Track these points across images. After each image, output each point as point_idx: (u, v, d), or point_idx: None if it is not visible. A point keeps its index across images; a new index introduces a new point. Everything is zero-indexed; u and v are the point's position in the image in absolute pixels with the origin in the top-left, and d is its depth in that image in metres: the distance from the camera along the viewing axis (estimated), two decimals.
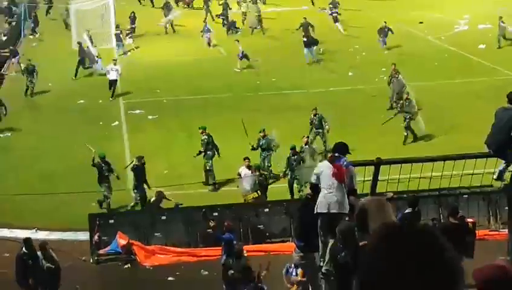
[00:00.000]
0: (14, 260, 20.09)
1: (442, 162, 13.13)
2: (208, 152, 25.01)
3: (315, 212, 11.35)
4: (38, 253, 17.67)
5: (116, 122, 31.83)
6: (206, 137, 25.06)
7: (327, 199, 11.22)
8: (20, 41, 47.46)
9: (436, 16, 49.21)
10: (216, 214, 21.06)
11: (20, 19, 50.31)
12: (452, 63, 38.89)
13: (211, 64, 40.37)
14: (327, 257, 11.18)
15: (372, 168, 12.16)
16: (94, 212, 22.53)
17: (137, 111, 33.01)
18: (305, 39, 40.37)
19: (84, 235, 21.99)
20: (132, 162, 24.14)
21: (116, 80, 35.27)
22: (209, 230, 20.29)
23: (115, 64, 35.83)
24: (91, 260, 20.89)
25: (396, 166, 13.07)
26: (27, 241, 18.03)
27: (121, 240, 20.78)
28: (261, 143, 25.12)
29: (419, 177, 14.62)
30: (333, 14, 47.76)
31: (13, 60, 40.97)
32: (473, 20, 48.31)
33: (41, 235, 22.50)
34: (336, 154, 11.48)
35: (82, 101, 33.70)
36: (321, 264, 11.69)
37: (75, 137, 29.53)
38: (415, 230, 2.37)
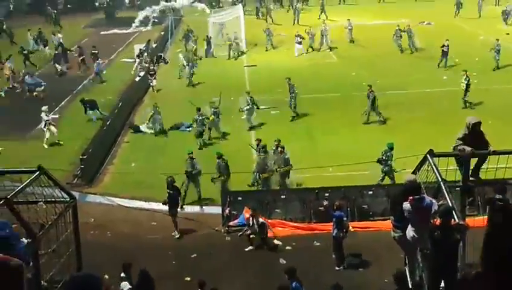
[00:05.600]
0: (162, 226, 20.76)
1: None
2: None
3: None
4: None
5: (245, 116, 32.09)
6: None
7: (414, 238, 10.98)
8: (167, 47, 48.43)
9: None
10: (327, 194, 21.02)
11: (167, 29, 51.53)
12: None
13: (324, 68, 40.41)
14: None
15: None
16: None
17: (262, 107, 33.22)
18: None
19: (217, 209, 22.33)
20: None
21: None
22: (321, 208, 20.33)
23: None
24: (222, 230, 21.18)
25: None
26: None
27: (247, 214, 20.97)
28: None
29: (505, 167, 14.18)
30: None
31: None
32: None
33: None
34: (416, 197, 10.86)
35: (216, 98, 34.12)
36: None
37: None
38: None
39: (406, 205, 10.78)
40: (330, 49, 45.38)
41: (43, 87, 35.95)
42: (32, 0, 71.21)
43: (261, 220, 19.91)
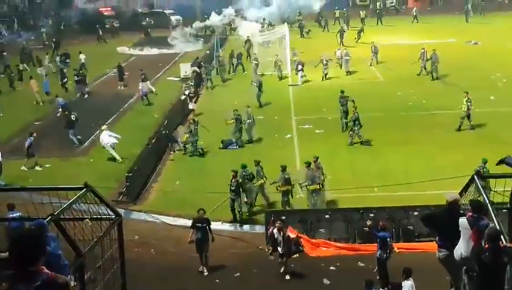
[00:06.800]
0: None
1: None
2: None
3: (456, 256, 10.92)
4: None
5: (289, 135, 32.14)
6: None
7: (462, 256, 10.79)
8: (212, 65, 48.67)
9: None
10: (372, 215, 20.85)
11: (213, 48, 52.07)
12: None
13: (369, 87, 40.24)
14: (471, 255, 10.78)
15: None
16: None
17: (307, 126, 33.22)
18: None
19: (260, 229, 22.34)
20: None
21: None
22: (365, 228, 20.18)
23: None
24: (266, 250, 21.11)
25: None
26: None
27: (291, 233, 20.92)
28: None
29: None
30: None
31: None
32: None
33: (226, 226, 23.10)
34: (476, 215, 10.69)
35: (261, 117, 34.22)
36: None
37: (259, 144, 31.06)
38: None
39: (463, 221, 10.61)
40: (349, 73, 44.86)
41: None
42: (82, 19, 72.85)
43: (290, 235, 19.87)
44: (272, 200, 24.39)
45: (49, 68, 48.06)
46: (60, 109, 36.40)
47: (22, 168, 28.11)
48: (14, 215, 17.09)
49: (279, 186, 23.53)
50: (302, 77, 43.15)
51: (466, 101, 31.17)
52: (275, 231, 19.39)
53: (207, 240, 19.75)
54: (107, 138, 29.63)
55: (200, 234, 19.63)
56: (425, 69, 42.94)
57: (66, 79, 43.34)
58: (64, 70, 45.10)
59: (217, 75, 45.57)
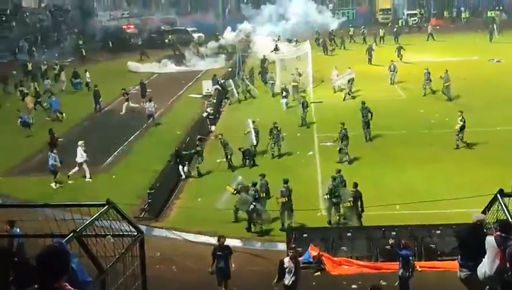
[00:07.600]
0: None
1: None
2: None
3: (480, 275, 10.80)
4: None
5: (311, 152, 32.12)
6: None
7: (485, 275, 10.68)
8: (235, 80, 48.71)
9: None
10: (394, 233, 20.73)
11: (235, 65, 52.26)
12: None
13: (391, 105, 40.13)
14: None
15: None
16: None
17: (328, 143, 33.14)
18: None
19: (282, 246, 22.24)
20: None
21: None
22: (387, 247, 20.03)
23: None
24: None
25: None
26: None
27: (313, 251, 20.83)
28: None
29: None
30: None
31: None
32: None
33: (246, 244, 23.03)
34: (504, 235, 10.58)
35: (284, 134, 34.19)
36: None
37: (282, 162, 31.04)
38: None
39: (491, 239, 10.51)
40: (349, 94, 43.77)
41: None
42: (104, 37, 73.58)
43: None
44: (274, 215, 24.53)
45: (62, 85, 48.86)
46: (19, 123, 37.48)
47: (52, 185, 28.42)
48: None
49: (277, 198, 23.84)
50: (286, 104, 41.58)
51: (460, 120, 31.02)
52: (286, 259, 17.80)
53: (229, 269, 18.94)
54: (79, 154, 29.49)
55: (223, 262, 18.77)
56: (424, 88, 42.56)
57: (40, 98, 43.98)
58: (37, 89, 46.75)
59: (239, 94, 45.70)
